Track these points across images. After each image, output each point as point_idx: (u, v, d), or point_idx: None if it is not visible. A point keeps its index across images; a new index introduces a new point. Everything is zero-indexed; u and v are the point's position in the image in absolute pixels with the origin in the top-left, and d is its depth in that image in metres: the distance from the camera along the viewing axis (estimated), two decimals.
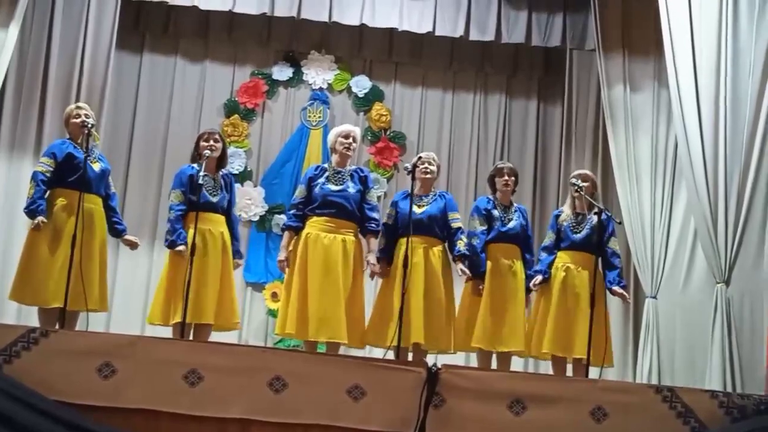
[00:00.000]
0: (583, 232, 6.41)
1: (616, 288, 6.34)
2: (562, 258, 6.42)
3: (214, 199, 6.15)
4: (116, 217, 6.31)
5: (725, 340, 6.72)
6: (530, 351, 6.47)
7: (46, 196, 5.98)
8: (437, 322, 6.09)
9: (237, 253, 6.35)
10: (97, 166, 6.13)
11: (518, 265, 6.43)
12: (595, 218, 6.30)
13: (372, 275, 6.10)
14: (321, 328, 5.91)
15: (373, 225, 6.18)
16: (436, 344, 6.14)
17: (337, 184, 6.17)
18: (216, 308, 6.07)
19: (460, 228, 6.31)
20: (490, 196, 6.62)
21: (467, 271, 6.21)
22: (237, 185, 7.43)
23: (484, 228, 6.42)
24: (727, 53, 7.05)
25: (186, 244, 5.95)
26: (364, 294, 6.20)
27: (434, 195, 6.39)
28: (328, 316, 5.89)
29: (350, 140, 6.29)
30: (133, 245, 6.39)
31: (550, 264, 6.44)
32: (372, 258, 6.12)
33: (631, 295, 8.06)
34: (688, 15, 7.17)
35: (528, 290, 6.48)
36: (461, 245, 6.24)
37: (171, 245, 6.06)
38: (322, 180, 6.21)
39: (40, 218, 5.88)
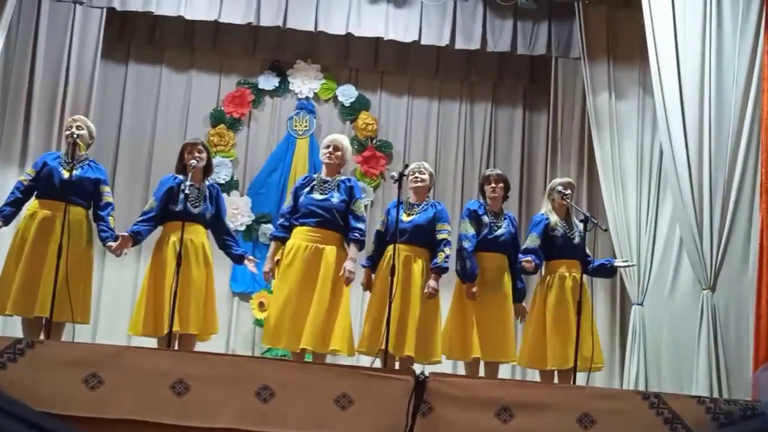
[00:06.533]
0: (576, 240, 6.43)
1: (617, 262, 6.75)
2: (557, 266, 6.40)
3: (195, 210, 6.14)
4: (103, 225, 6.23)
5: (711, 346, 6.75)
6: (532, 363, 6.45)
7: (24, 205, 6.08)
8: (403, 330, 6.02)
9: (240, 258, 6.36)
10: (73, 175, 5.99)
11: (505, 276, 6.40)
12: (581, 226, 6.34)
13: (347, 282, 6.01)
14: (291, 338, 5.91)
15: (356, 234, 6.09)
16: (399, 352, 6.03)
17: (321, 194, 6.16)
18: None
19: (445, 239, 6.21)
20: (482, 201, 6.58)
21: (436, 287, 6.10)
22: (224, 195, 7.39)
23: (475, 232, 6.38)
24: (711, 61, 7.10)
25: (134, 239, 6.13)
26: (347, 302, 6.09)
27: (426, 204, 6.37)
28: (297, 326, 5.89)
29: (330, 149, 6.27)
30: (114, 251, 6.18)
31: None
32: (349, 265, 6.00)
33: (617, 302, 8.14)
34: (672, 23, 7.21)
35: (519, 299, 6.50)
36: (440, 258, 6.14)
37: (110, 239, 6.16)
38: (307, 190, 6.20)
39: None
